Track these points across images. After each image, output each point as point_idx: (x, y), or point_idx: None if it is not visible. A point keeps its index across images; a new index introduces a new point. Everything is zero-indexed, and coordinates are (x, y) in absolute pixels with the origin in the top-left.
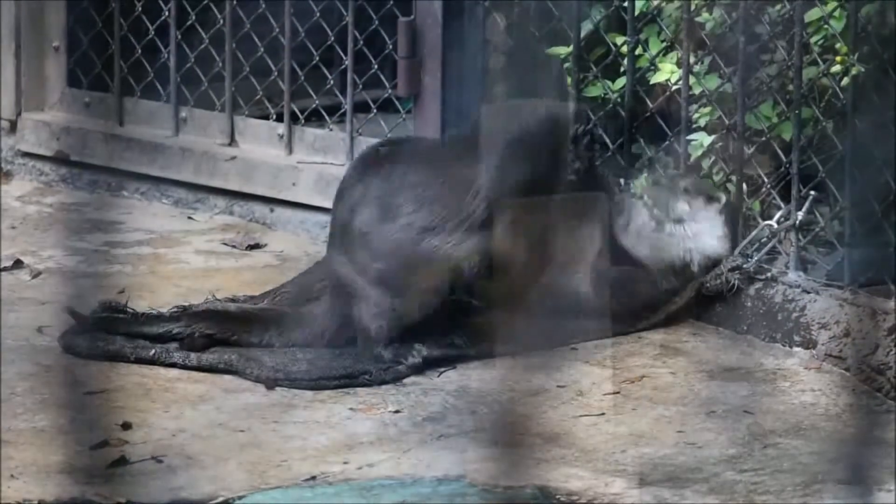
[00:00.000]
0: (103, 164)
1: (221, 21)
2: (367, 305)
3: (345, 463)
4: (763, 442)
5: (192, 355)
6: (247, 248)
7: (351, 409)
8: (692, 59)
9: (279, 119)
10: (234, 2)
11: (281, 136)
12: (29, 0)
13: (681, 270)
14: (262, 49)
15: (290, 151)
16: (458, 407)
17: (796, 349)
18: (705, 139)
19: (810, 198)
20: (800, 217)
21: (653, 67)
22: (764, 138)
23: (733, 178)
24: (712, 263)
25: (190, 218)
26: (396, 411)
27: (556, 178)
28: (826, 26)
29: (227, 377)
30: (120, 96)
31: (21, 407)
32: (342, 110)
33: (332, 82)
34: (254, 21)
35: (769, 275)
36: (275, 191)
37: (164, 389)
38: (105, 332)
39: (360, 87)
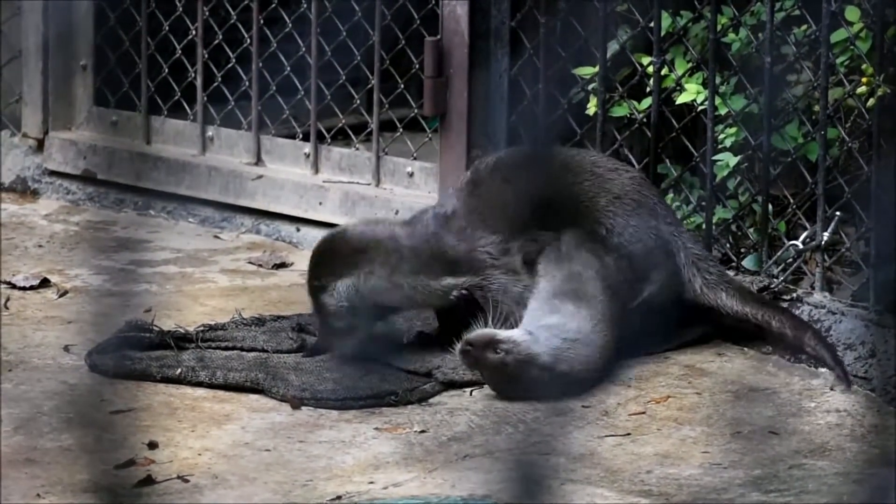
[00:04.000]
0: (130, 183)
1: (248, 40)
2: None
3: (370, 483)
4: (788, 463)
5: (219, 374)
6: (273, 268)
7: (377, 428)
8: (718, 80)
9: (305, 138)
10: (261, 21)
11: (307, 155)
12: (57, 19)
13: None
14: (288, 68)
15: (317, 170)
16: (484, 427)
17: (822, 370)
18: (731, 160)
19: (836, 218)
20: (825, 238)
21: (679, 88)
22: (790, 159)
23: (759, 198)
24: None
25: (216, 237)
26: (422, 431)
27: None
28: (852, 47)
29: (254, 396)
30: (147, 115)
31: (47, 426)
32: (368, 129)
33: (358, 101)
34: (280, 40)
35: (795, 295)
36: (301, 210)
37: (191, 409)
38: (132, 351)
39: (387, 106)
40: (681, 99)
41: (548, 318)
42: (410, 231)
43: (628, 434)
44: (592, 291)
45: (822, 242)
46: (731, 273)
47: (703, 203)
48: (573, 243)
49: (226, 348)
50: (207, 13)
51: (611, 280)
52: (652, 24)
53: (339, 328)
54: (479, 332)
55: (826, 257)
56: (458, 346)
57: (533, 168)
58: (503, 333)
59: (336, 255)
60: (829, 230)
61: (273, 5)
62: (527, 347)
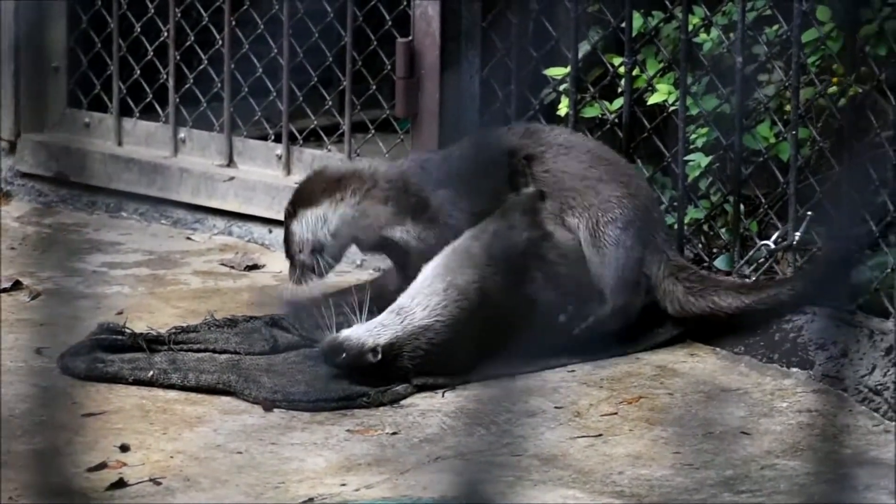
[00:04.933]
0: (102, 185)
1: (220, 42)
2: None
3: (342, 485)
4: (760, 463)
5: (191, 376)
6: (245, 269)
7: (349, 430)
8: (690, 80)
9: (277, 140)
10: (233, 22)
11: (279, 157)
12: (29, 21)
13: None
14: (260, 70)
15: (289, 172)
16: (456, 428)
17: (793, 369)
18: (703, 160)
19: (807, 218)
20: (797, 237)
21: (650, 88)
22: (761, 159)
23: (731, 198)
24: None
25: (188, 238)
26: (394, 433)
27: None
28: (823, 47)
29: (226, 398)
30: (119, 117)
31: (20, 429)
32: (340, 131)
33: (330, 103)
34: (252, 42)
35: None
36: (273, 211)
37: (163, 411)
38: (104, 354)
39: (359, 107)
40: (652, 99)
41: (405, 300)
42: (389, 165)
43: (600, 435)
44: (469, 278)
45: (794, 242)
46: (713, 273)
47: (675, 203)
48: (495, 225)
49: (198, 350)
50: (179, 15)
51: (508, 276)
52: (623, 25)
53: (301, 260)
54: (327, 339)
55: (798, 257)
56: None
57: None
58: (343, 334)
59: (314, 185)
60: (801, 230)
61: (245, 7)
62: (360, 345)
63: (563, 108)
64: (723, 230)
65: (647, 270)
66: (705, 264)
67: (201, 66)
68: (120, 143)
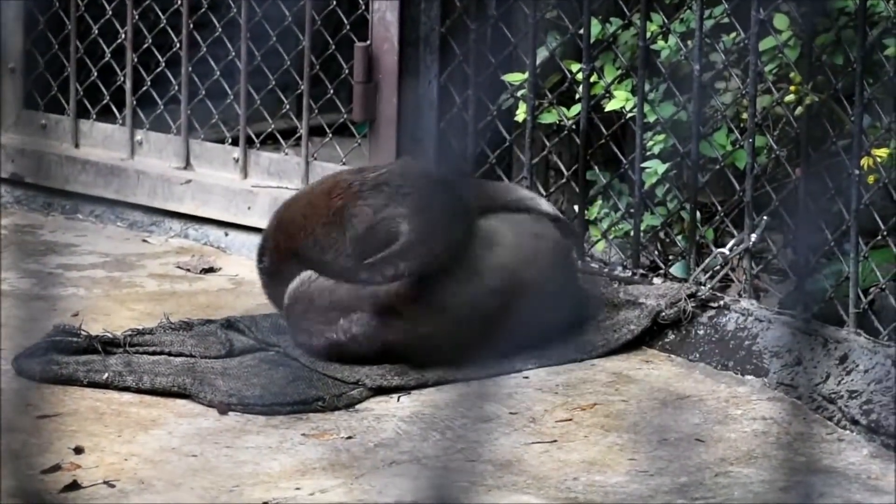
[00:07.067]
0: (58, 187)
1: (178, 44)
2: None
3: (297, 489)
4: (714, 470)
5: (146, 378)
6: (201, 272)
7: (304, 434)
8: (647, 87)
9: (234, 143)
10: (191, 25)
11: (236, 160)
12: None
13: None
14: (217, 72)
15: (246, 175)
16: (411, 433)
17: (748, 377)
18: (660, 167)
19: (763, 223)
20: (752, 242)
21: (608, 95)
22: (718, 166)
23: (687, 205)
24: None
25: (145, 241)
26: (349, 437)
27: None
28: (780, 55)
29: (181, 401)
30: (75, 119)
31: None
32: (298, 134)
33: (287, 106)
34: (210, 44)
35: (722, 302)
36: (230, 214)
37: (117, 413)
38: (58, 355)
39: (316, 111)
40: (610, 106)
41: None
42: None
43: (555, 441)
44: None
45: (750, 245)
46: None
47: (632, 210)
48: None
49: (153, 353)
50: (137, 17)
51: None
52: (581, 31)
53: None
54: None
55: (753, 265)
56: None
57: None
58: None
59: None
60: (756, 234)
61: (203, 9)
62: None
63: (521, 114)
64: (679, 237)
65: None
66: (661, 271)
67: (158, 69)
68: (77, 145)
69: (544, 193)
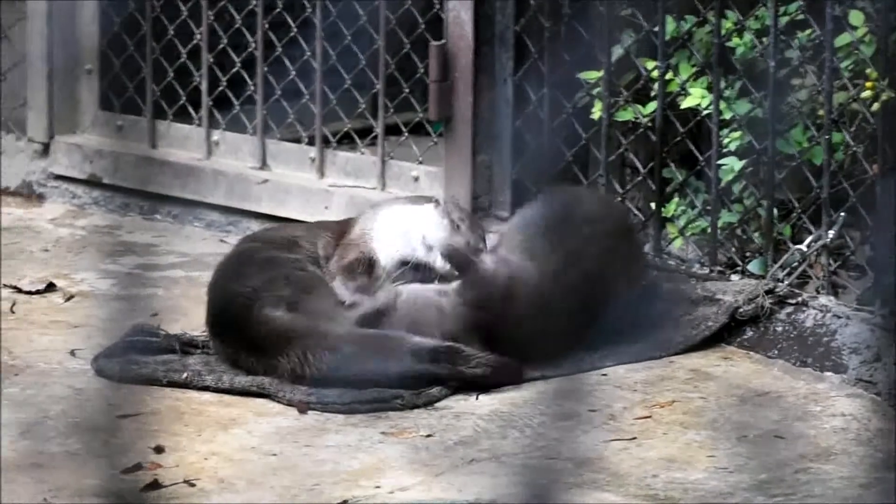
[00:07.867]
0: (136, 188)
1: (253, 45)
2: None
3: (376, 487)
4: (794, 467)
5: (225, 378)
6: None
7: (383, 433)
8: (723, 84)
9: (311, 142)
10: (266, 25)
11: (312, 160)
12: (61, 24)
13: None
14: (293, 72)
15: (322, 175)
16: (490, 431)
17: (827, 373)
18: (736, 164)
19: (840, 220)
20: (829, 238)
21: (683, 92)
22: (795, 163)
23: (764, 202)
24: None
25: (222, 241)
26: (428, 435)
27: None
28: (856, 51)
29: (259, 400)
30: (152, 119)
31: (54, 430)
32: (373, 133)
33: (363, 106)
34: (285, 45)
35: (800, 299)
36: (307, 214)
37: (197, 413)
38: (138, 355)
39: (392, 110)
40: (685, 103)
41: None
42: None
43: (634, 438)
44: None
45: (828, 242)
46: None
47: (709, 207)
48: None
49: None
50: (212, 17)
51: None
52: (656, 29)
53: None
54: None
55: (831, 261)
56: None
57: None
58: None
59: None
60: (833, 230)
61: (278, 10)
62: None
63: (597, 112)
64: (756, 234)
65: None
66: (738, 268)
67: (234, 69)
68: (154, 146)
69: (620, 191)
